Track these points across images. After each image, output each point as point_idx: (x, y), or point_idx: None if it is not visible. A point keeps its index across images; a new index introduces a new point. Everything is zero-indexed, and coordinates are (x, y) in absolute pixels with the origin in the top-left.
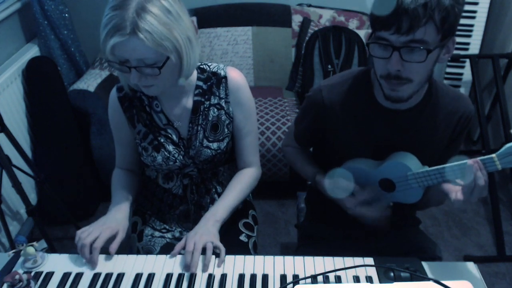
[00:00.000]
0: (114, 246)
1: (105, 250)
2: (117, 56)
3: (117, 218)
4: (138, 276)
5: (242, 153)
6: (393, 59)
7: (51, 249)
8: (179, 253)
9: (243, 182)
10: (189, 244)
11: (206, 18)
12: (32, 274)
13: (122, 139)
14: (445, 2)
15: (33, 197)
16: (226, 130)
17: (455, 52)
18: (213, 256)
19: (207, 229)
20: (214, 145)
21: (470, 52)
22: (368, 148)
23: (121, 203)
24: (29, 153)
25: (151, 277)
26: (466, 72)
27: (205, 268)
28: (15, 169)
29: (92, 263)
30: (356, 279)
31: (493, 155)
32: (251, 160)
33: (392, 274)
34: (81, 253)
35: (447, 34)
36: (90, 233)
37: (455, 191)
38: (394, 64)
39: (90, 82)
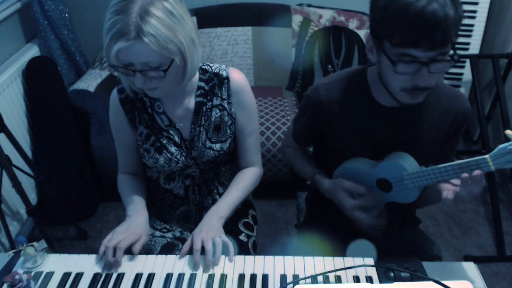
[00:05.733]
0: (137, 246)
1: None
2: (122, 61)
3: (139, 222)
4: (138, 276)
5: (245, 153)
6: (424, 74)
7: (51, 249)
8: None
9: (245, 180)
10: (196, 242)
11: (206, 18)
12: (32, 274)
13: (124, 142)
14: (460, 10)
15: (33, 197)
16: (228, 131)
17: None
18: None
19: (212, 225)
20: (217, 146)
21: (470, 52)
22: (366, 146)
23: (139, 207)
24: (29, 153)
25: (151, 277)
26: (466, 72)
27: (216, 264)
28: (15, 169)
29: (116, 264)
30: (356, 279)
31: (487, 156)
32: (254, 159)
33: (392, 274)
34: (105, 256)
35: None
36: (113, 238)
37: (447, 190)
38: (426, 80)
39: (90, 82)
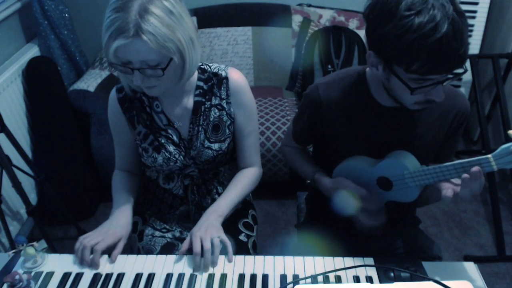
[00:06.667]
0: (115, 253)
1: (104, 252)
2: (120, 58)
3: (120, 223)
4: (138, 276)
5: (244, 153)
6: (440, 91)
7: (51, 249)
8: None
9: (245, 180)
10: (195, 242)
11: (206, 18)
12: (32, 274)
13: (122, 140)
14: (466, 20)
15: (33, 197)
16: (227, 130)
17: None
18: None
19: (211, 223)
20: (216, 146)
21: (470, 52)
22: (365, 145)
23: (123, 206)
24: (29, 153)
25: (151, 277)
26: (466, 72)
27: (214, 265)
28: (15, 169)
29: (93, 265)
30: (356, 279)
31: (489, 155)
32: (253, 160)
33: (392, 274)
34: (82, 256)
35: None
36: (92, 238)
37: (446, 188)
38: (440, 94)
39: (90, 82)
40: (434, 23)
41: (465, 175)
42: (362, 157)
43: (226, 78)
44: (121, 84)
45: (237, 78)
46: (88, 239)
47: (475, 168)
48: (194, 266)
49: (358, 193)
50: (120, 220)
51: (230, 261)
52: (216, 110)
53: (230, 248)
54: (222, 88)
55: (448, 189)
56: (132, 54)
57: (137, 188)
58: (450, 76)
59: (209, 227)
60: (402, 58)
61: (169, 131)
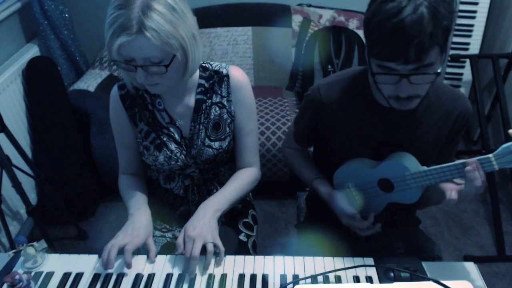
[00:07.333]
0: (153, 253)
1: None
2: (123, 56)
3: (142, 223)
4: (138, 276)
5: (242, 153)
6: (403, 86)
7: (51, 249)
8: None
9: (243, 178)
10: (187, 246)
11: (206, 18)
12: (32, 274)
13: (124, 140)
14: (445, 23)
15: (33, 197)
16: (227, 129)
17: (455, 52)
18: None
19: (207, 222)
20: (216, 144)
21: (470, 52)
22: (366, 146)
23: (141, 205)
24: (29, 153)
25: (151, 277)
26: (466, 72)
27: (204, 270)
28: (15, 169)
29: (127, 265)
30: (356, 279)
31: (490, 155)
32: (251, 160)
33: (392, 274)
34: (108, 257)
35: (446, 46)
36: (120, 240)
37: (450, 190)
38: (405, 91)
39: (90, 82)
40: (397, 9)
41: (467, 168)
42: (362, 159)
43: (227, 75)
44: (122, 81)
45: (238, 75)
46: (115, 242)
47: (470, 160)
48: (184, 268)
49: (354, 224)
50: (141, 219)
51: (218, 264)
52: (217, 108)
53: (222, 255)
54: (223, 86)
55: (452, 191)
56: (135, 51)
57: (146, 188)
58: (420, 72)
59: (204, 229)
60: (368, 39)
61: (171, 129)
